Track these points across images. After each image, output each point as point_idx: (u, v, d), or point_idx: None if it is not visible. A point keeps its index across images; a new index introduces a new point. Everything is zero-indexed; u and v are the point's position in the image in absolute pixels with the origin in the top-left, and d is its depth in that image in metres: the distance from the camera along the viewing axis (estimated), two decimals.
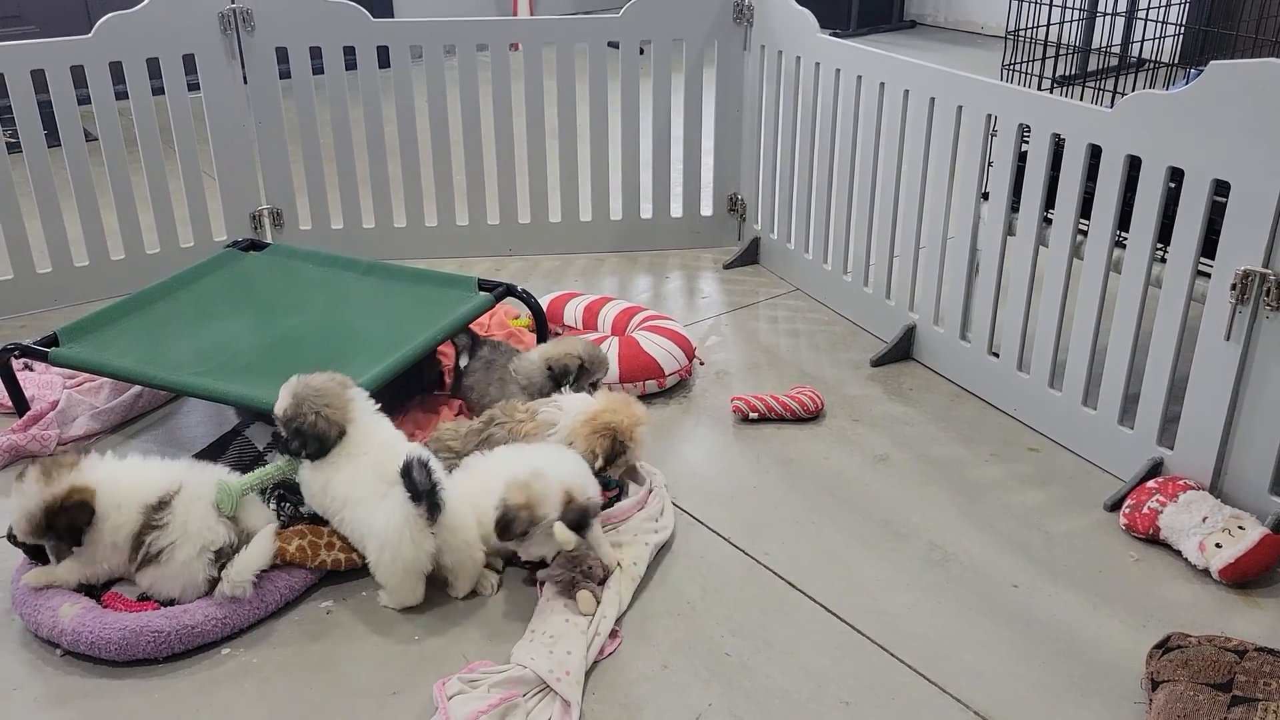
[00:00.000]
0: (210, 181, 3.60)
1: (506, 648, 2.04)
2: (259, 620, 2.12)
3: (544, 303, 3.14)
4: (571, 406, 2.39)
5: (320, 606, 2.18)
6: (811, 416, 2.82)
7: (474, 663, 2.00)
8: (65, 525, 2.04)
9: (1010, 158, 2.66)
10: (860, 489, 2.54)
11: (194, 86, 3.41)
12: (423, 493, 2.04)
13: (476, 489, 2.19)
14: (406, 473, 2.05)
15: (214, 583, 2.08)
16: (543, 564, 2.20)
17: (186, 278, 3.01)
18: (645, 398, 2.91)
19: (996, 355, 2.83)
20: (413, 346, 2.65)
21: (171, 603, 2.09)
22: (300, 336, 2.76)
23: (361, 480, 2.14)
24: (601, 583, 2.17)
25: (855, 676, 1.99)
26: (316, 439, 2.15)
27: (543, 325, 3.01)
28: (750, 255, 3.74)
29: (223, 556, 2.09)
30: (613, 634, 2.09)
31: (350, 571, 2.24)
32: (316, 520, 2.27)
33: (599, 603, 2.12)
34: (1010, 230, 2.73)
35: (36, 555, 2.15)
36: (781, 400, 2.81)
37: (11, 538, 2.13)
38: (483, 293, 2.94)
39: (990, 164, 2.74)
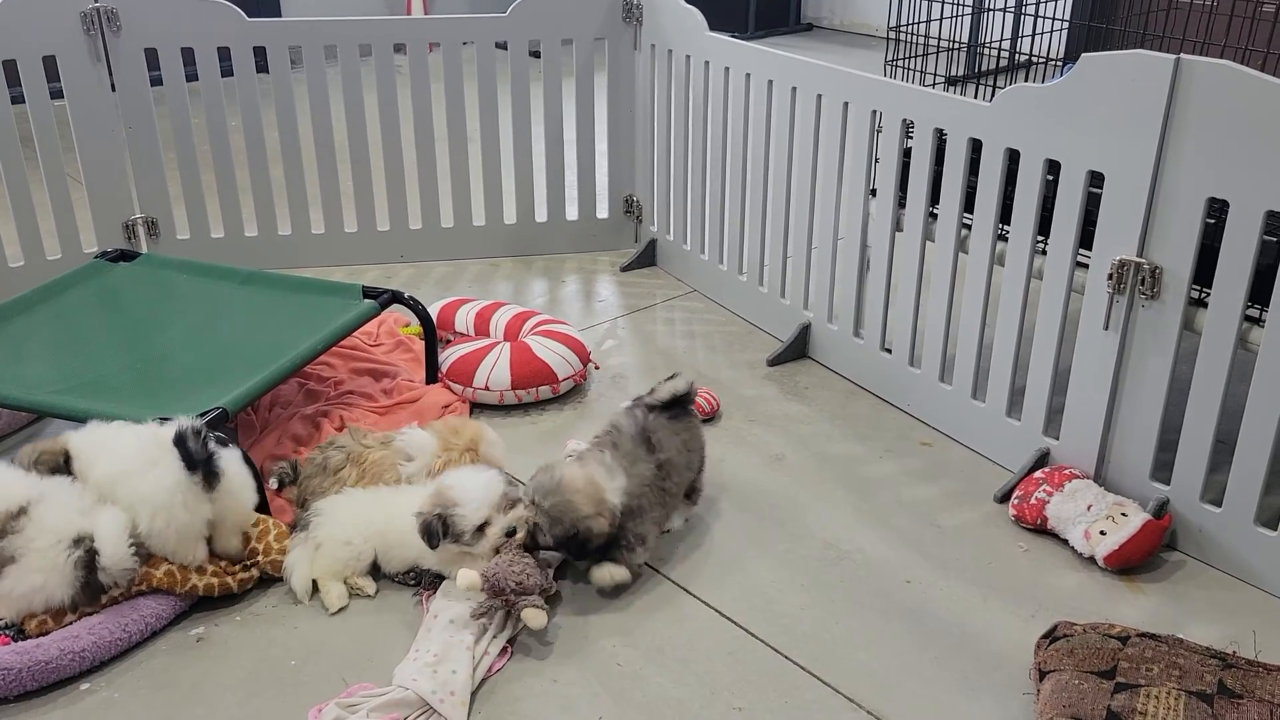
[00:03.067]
0: (78, 189, 3.43)
1: (388, 670, 1.95)
2: (122, 652, 2.00)
3: (434, 309, 3.06)
4: (420, 443, 2.37)
5: (190, 634, 2.07)
6: (708, 418, 2.79)
7: (353, 686, 1.92)
8: None
9: (895, 154, 2.66)
10: (756, 490, 2.51)
11: (57, 93, 3.24)
12: (198, 461, 2.02)
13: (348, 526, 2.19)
14: (180, 442, 2.02)
15: (86, 586, 1.97)
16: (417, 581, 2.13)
17: (49, 291, 2.84)
18: (539, 404, 2.85)
19: (889, 351, 2.84)
20: (289, 359, 2.54)
21: (21, 634, 1.96)
22: (171, 351, 2.63)
23: (124, 454, 2.08)
24: (543, 593, 2.07)
25: (748, 681, 1.95)
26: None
27: (432, 333, 2.93)
28: (647, 257, 3.70)
29: (89, 553, 1.97)
30: (503, 650, 2.02)
31: (224, 596, 2.13)
32: None
33: (548, 614, 2.05)
34: (898, 226, 2.74)
35: None
36: None
37: None
38: (367, 300, 2.84)
39: (876, 160, 2.74)
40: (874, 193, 2.79)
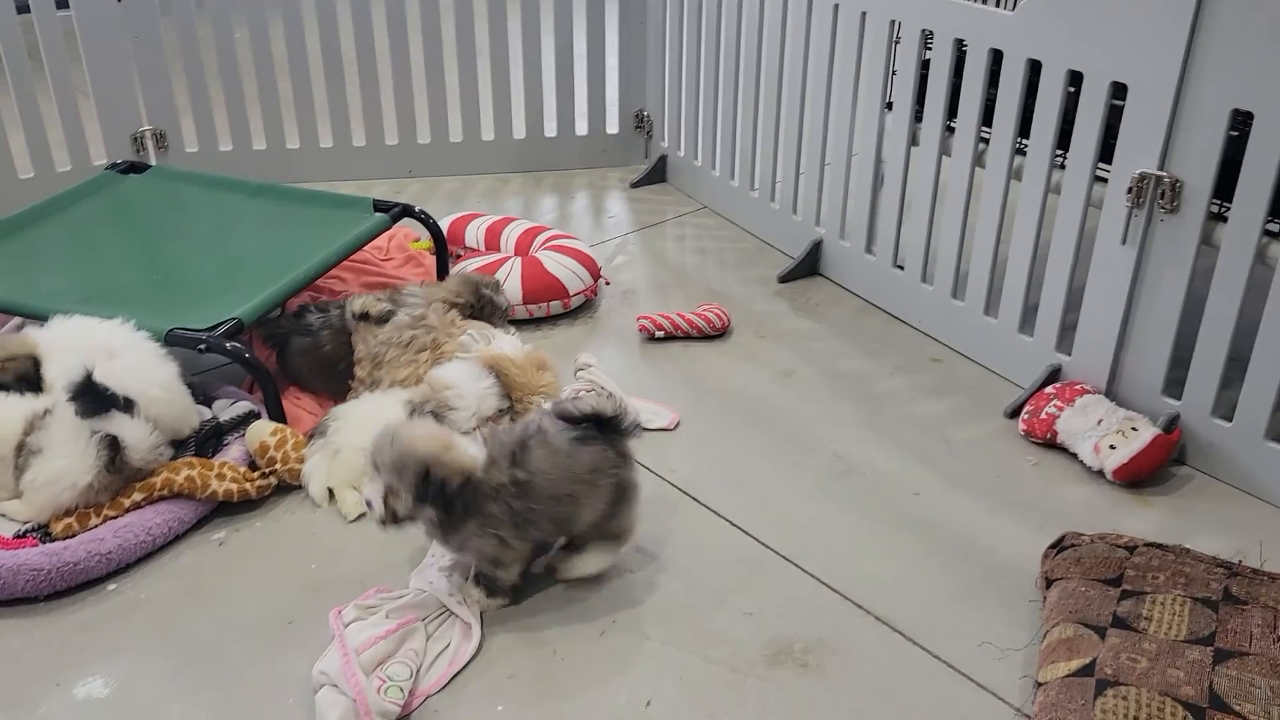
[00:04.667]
0: (86, 102, 3.39)
1: (405, 574, 1.99)
2: (147, 554, 2.04)
3: (444, 224, 3.05)
4: (498, 343, 2.34)
5: (213, 538, 2.11)
6: (718, 334, 2.80)
7: (371, 589, 1.95)
8: None
9: (913, 65, 2.62)
10: (766, 404, 2.53)
11: (63, 3, 3.19)
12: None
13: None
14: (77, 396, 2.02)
15: (110, 465, 2.02)
16: None
17: (60, 202, 2.84)
18: (550, 319, 2.85)
19: (901, 268, 2.83)
20: (303, 271, 2.54)
21: (49, 537, 2.00)
22: (184, 262, 2.63)
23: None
24: None
25: (758, 588, 1.99)
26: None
27: (443, 248, 2.92)
28: (658, 173, 3.67)
29: (109, 435, 2.03)
30: None
31: (244, 502, 2.16)
32: (201, 451, 2.20)
33: None
34: (914, 140, 2.71)
35: None
36: (688, 318, 2.78)
37: None
38: (378, 213, 2.83)
39: (894, 73, 2.70)
40: (890, 106, 2.75)
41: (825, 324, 2.85)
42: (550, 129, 3.72)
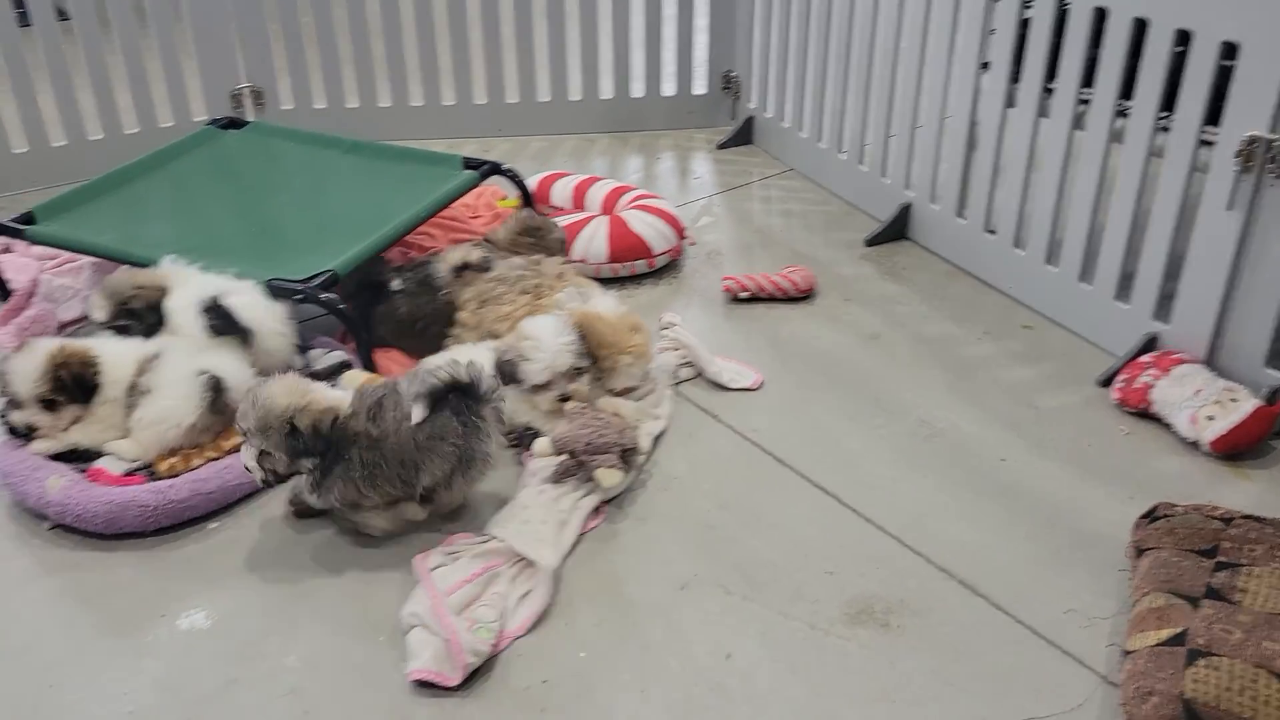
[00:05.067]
0: (189, 60, 3.49)
1: (486, 522, 2.03)
2: (245, 496, 2.12)
3: (532, 183, 3.07)
4: (594, 302, 2.35)
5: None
6: (803, 296, 2.78)
7: (453, 536, 2.00)
8: (72, 379, 2.09)
9: (1012, 24, 2.56)
10: (850, 367, 2.51)
11: None
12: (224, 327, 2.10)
13: None
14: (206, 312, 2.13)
15: (213, 405, 2.10)
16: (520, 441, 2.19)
17: (164, 156, 2.93)
18: (634, 278, 2.87)
19: (993, 232, 2.78)
20: (394, 226, 2.59)
21: (154, 476, 2.08)
22: (281, 215, 2.71)
23: None
24: (624, 454, 2.09)
25: (840, 547, 1.99)
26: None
27: (530, 205, 2.95)
28: (744, 135, 3.65)
29: (213, 377, 2.13)
30: (596, 511, 2.08)
31: None
32: None
33: (624, 473, 2.07)
34: (1010, 102, 2.65)
35: (19, 434, 2.14)
36: (773, 280, 2.77)
37: (1, 415, 2.13)
38: (467, 170, 2.87)
39: (992, 31, 2.64)
40: (986, 66, 2.69)
41: (912, 288, 2.82)
42: (637, 89, 3.72)
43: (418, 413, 1.86)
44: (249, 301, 2.24)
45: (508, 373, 2.18)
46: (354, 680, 1.73)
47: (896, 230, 3.03)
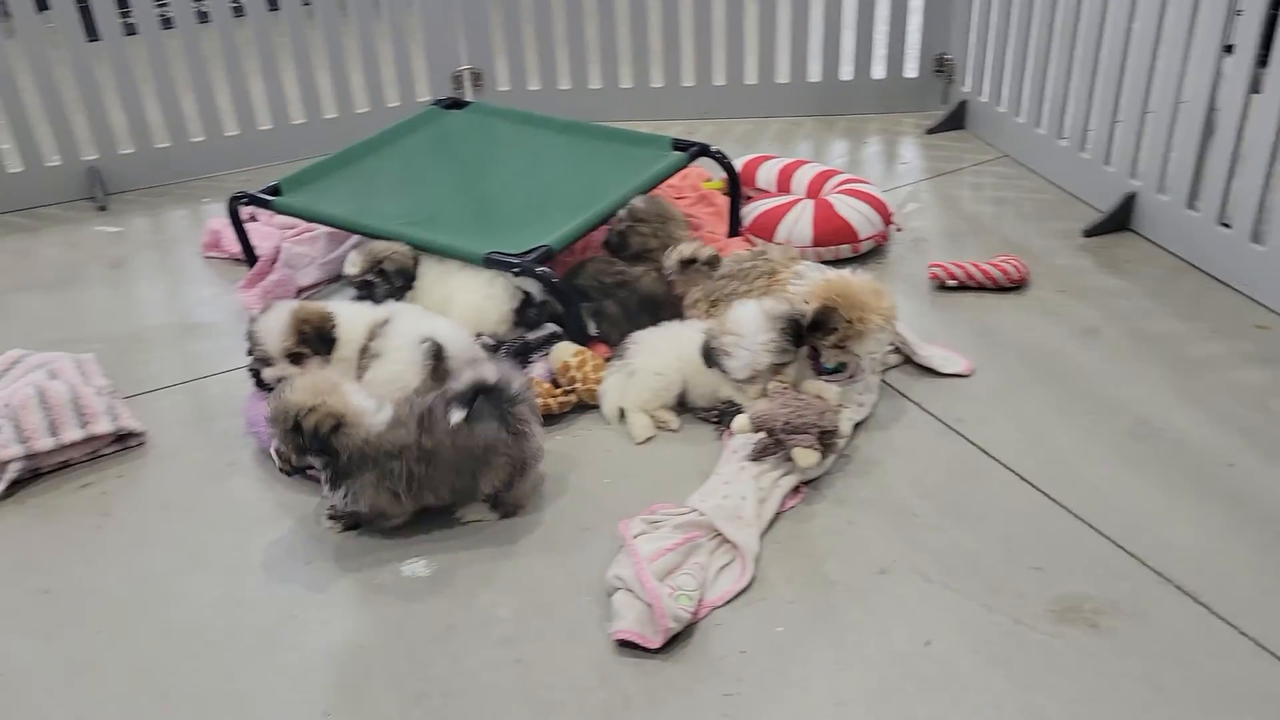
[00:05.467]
0: (416, 44, 3.68)
1: (686, 495, 2.08)
2: None
3: (738, 165, 3.09)
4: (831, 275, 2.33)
5: None
6: (1014, 286, 2.70)
7: (656, 505, 2.06)
8: (314, 333, 2.26)
9: (1260, 4, 2.40)
10: (1063, 361, 2.43)
11: None
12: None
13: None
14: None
15: (434, 372, 2.22)
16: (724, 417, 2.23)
17: (393, 134, 3.11)
18: (838, 262, 2.85)
19: (1228, 225, 2.62)
20: (606, 204, 2.67)
21: None
22: (498, 191, 2.83)
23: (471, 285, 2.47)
24: (823, 436, 2.09)
25: (1048, 544, 1.94)
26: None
27: (736, 187, 2.98)
28: (956, 120, 3.56)
29: (436, 345, 2.24)
30: (795, 490, 2.10)
31: (546, 416, 2.32)
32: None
33: (822, 454, 2.08)
34: (1255, 87, 2.48)
35: (269, 389, 2.33)
36: (983, 268, 2.70)
37: (252, 371, 2.32)
38: (676, 152, 2.92)
39: (1238, 12, 2.48)
40: (1230, 49, 2.53)
41: (1134, 282, 2.69)
42: (846, 72, 3.68)
43: (456, 415, 1.91)
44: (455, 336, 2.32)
45: (711, 358, 2.23)
46: (561, 635, 1.82)
47: (1118, 221, 2.90)
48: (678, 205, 3.15)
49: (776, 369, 2.20)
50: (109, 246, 3.14)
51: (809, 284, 2.27)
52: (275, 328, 2.28)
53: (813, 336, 2.21)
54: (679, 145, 2.93)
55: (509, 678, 1.75)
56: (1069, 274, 2.75)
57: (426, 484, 1.97)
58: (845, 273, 2.31)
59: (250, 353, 2.31)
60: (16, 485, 2.19)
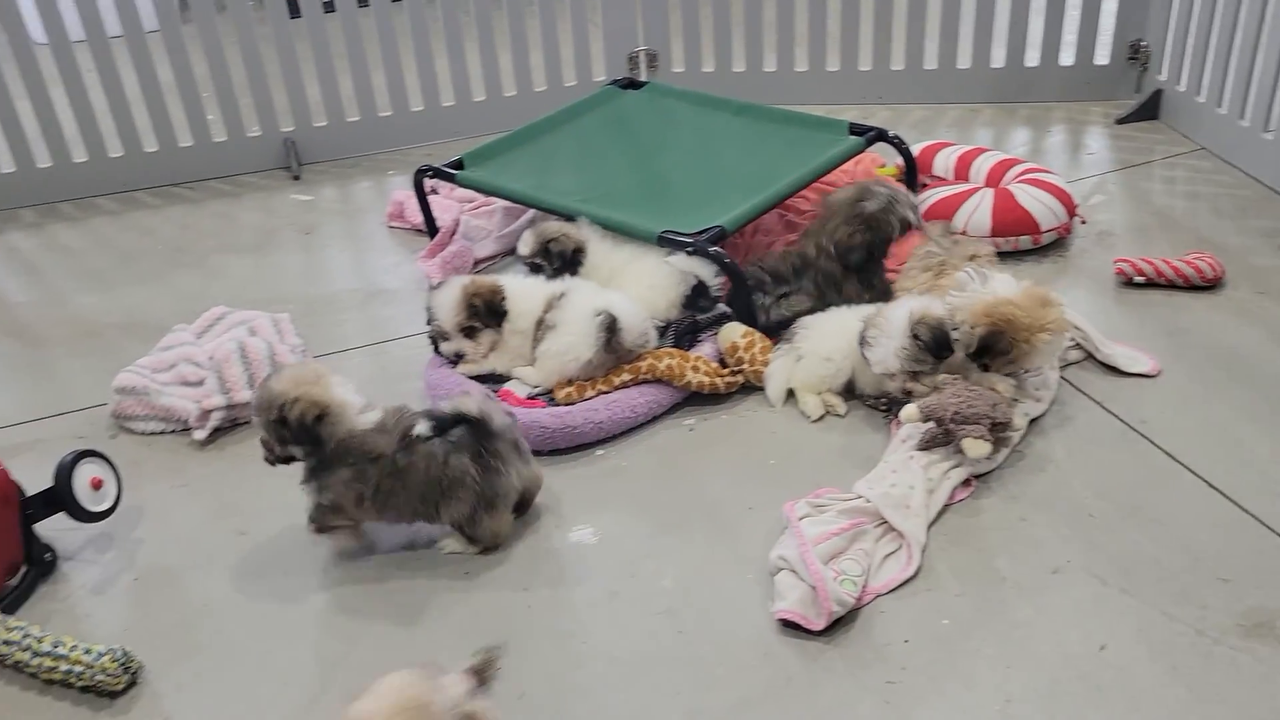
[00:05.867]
0: (594, 25, 3.74)
1: (852, 480, 2.07)
2: (629, 429, 2.29)
3: (915, 151, 3.04)
4: (992, 285, 2.22)
5: (684, 424, 2.31)
6: (1207, 285, 2.57)
7: (822, 489, 2.05)
8: (485, 307, 2.33)
9: None
10: (1259, 364, 2.30)
11: None
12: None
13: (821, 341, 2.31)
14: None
15: (607, 345, 2.27)
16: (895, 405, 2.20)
17: (571, 112, 3.18)
18: (1017, 254, 2.77)
19: None
20: (780, 187, 2.66)
21: (551, 401, 2.30)
22: (673, 171, 2.86)
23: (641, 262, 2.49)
24: (995, 427, 2.04)
25: (1238, 555, 1.84)
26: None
27: (913, 173, 2.92)
28: (1149, 109, 3.39)
29: (610, 318, 2.27)
30: (966, 482, 2.06)
31: (713, 396, 2.35)
32: (678, 345, 2.41)
33: (993, 446, 2.03)
34: None
35: (449, 360, 2.43)
36: (1174, 265, 2.58)
37: (432, 338, 2.42)
38: (852, 136, 2.89)
39: None
40: None
41: None
42: (1032, 58, 3.56)
43: (422, 427, 1.88)
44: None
45: (862, 343, 2.21)
46: (723, 610, 1.84)
47: None
48: None
49: (912, 375, 2.16)
50: (302, 214, 3.32)
51: (969, 302, 2.17)
52: (448, 303, 2.36)
53: (982, 359, 2.14)
54: (855, 130, 2.90)
55: (671, 648, 1.78)
56: (1271, 275, 2.59)
57: (391, 499, 1.93)
58: (1008, 282, 2.21)
59: (429, 323, 2.42)
60: (218, 433, 2.36)
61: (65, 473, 1.95)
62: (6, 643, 1.77)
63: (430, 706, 1.37)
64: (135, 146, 3.45)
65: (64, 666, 1.74)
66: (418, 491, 1.92)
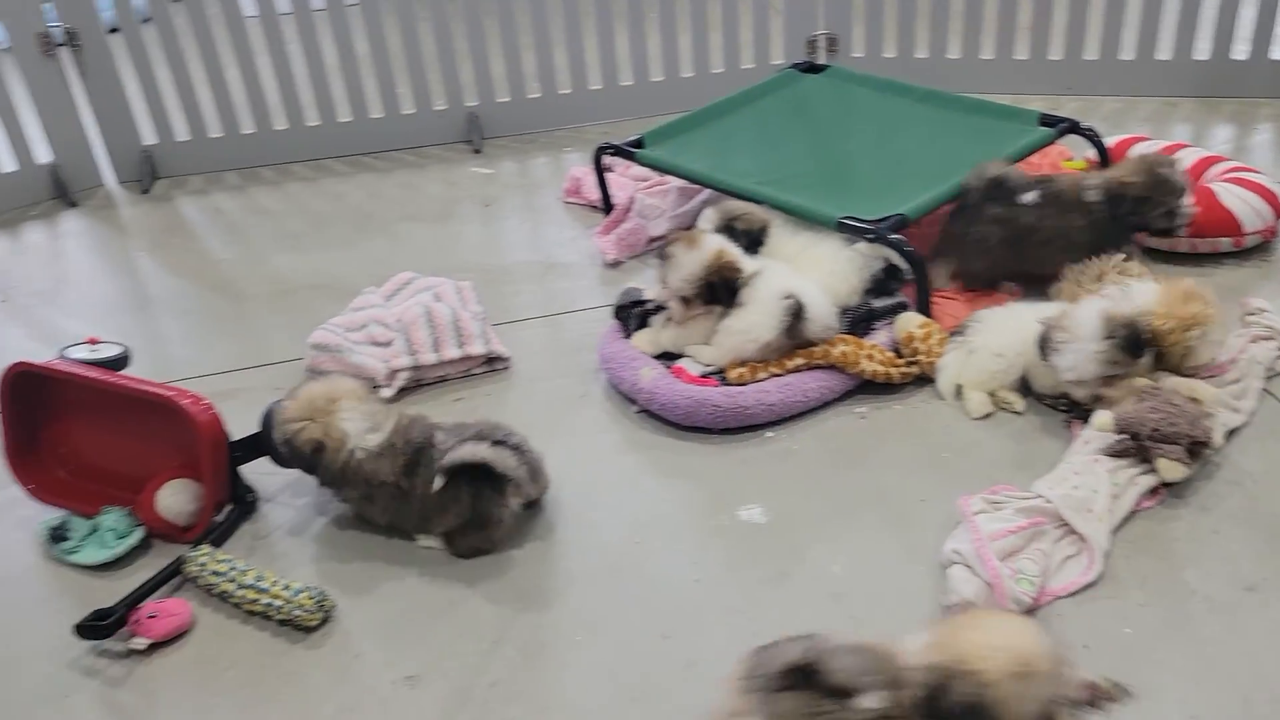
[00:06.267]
0: (774, 7, 3.72)
1: (1031, 479, 2.02)
2: (799, 413, 2.29)
3: (1108, 144, 2.92)
4: (1135, 294, 2.17)
5: (855, 411, 2.30)
6: None
7: (999, 485, 2.01)
8: (723, 284, 2.32)
9: None
10: None
11: None
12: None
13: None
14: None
15: (789, 330, 2.26)
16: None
17: (751, 94, 3.18)
18: (1217, 256, 2.64)
19: None
20: (963, 177, 2.61)
21: (724, 380, 2.31)
22: (853, 157, 2.84)
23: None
24: (1194, 446, 1.96)
25: None
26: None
27: (1106, 168, 2.81)
28: None
29: (797, 303, 2.27)
30: (1153, 491, 1.99)
31: (885, 385, 2.32)
32: (853, 331, 2.39)
33: (1189, 468, 1.95)
34: None
35: (625, 322, 2.48)
36: None
37: (619, 309, 2.48)
38: (1043, 128, 2.80)
39: None
40: None
41: None
42: (1240, 51, 3.37)
43: (438, 483, 1.90)
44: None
45: (1044, 349, 2.14)
46: (894, 599, 1.83)
47: None
48: None
49: (1107, 380, 2.08)
50: (482, 186, 3.42)
51: (1117, 304, 2.12)
52: (691, 265, 2.32)
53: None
54: (1046, 120, 2.81)
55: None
56: None
57: (396, 515, 2.01)
58: (1144, 295, 2.13)
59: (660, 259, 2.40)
60: (403, 392, 2.47)
61: (271, 420, 2.08)
62: (215, 573, 1.91)
63: (1047, 672, 1.31)
64: (330, 116, 3.62)
65: (265, 600, 1.86)
66: (419, 510, 1.98)
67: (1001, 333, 2.27)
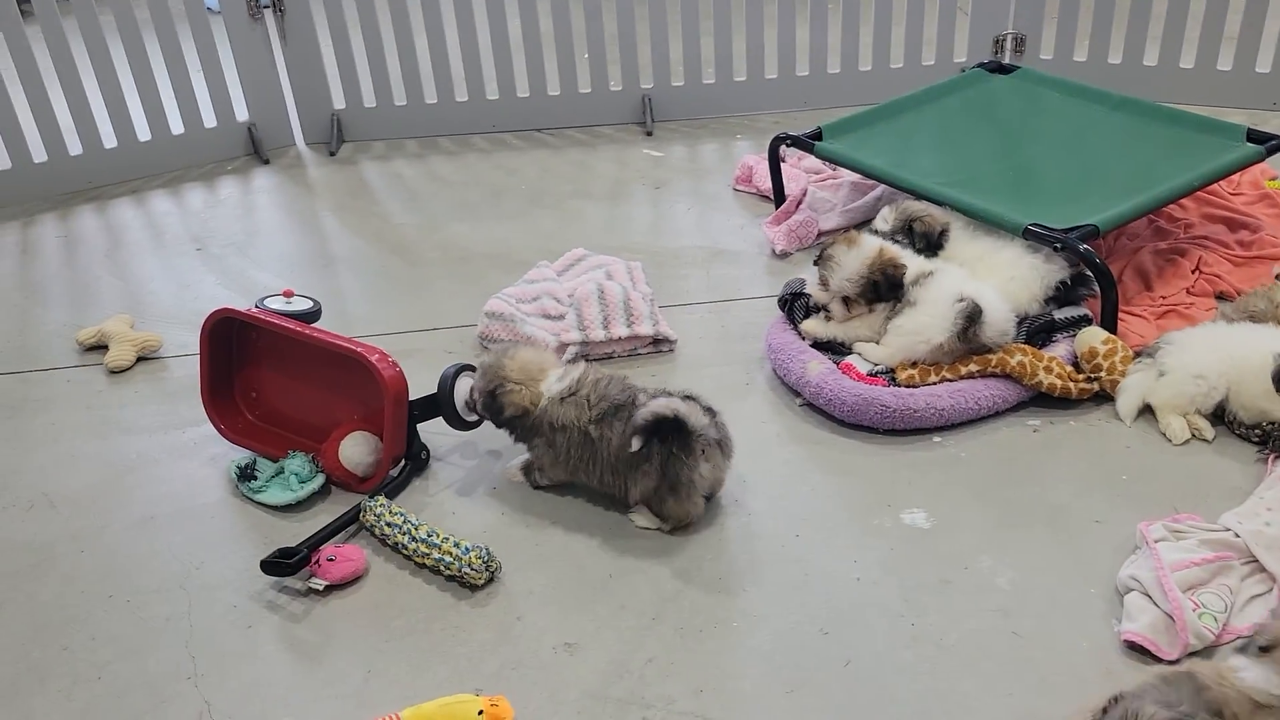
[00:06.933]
0: (961, 11, 3.63)
1: (1216, 511, 1.93)
2: (969, 420, 2.24)
3: None
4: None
5: (1028, 424, 2.24)
6: None
7: (1181, 515, 1.93)
8: (886, 281, 2.32)
9: None
10: None
11: None
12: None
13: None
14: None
15: (962, 334, 2.23)
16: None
17: (935, 92, 3.12)
18: None
19: None
20: (1161, 191, 2.51)
21: (893, 380, 2.28)
22: (1040, 162, 2.75)
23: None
24: None
25: None
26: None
27: None
28: None
29: (972, 305, 2.22)
30: None
31: (1062, 400, 2.25)
32: (1031, 341, 2.32)
33: None
34: None
35: (789, 313, 2.48)
36: None
37: (783, 300, 2.48)
38: (1250, 144, 2.66)
39: None
40: None
41: None
42: None
43: (635, 444, 1.92)
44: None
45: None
46: (1062, 620, 1.78)
47: None
48: (1233, 200, 2.90)
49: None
50: (652, 168, 3.45)
51: None
52: (855, 264, 2.33)
53: None
54: (1254, 137, 2.66)
55: (1005, 647, 1.74)
56: None
57: (580, 465, 2.05)
58: None
59: (819, 263, 2.41)
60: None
61: (448, 383, 2.15)
62: (390, 524, 1.99)
63: None
64: (510, 91, 3.70)
65: (435, 555, 1.93)
66: (609, 464, 2.01)
67: (1203, 355, 2.18)
